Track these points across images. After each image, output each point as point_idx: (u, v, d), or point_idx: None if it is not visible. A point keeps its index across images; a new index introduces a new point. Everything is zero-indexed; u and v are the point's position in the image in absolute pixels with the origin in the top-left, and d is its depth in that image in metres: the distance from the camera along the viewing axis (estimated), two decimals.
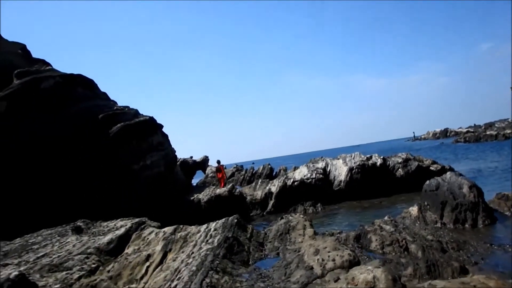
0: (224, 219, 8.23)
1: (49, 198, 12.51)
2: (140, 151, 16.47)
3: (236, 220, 8.06)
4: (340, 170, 18.20)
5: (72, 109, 14.83)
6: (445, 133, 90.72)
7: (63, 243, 8.80)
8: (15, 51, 16.52)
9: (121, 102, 19.53)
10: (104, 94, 18.18)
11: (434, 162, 19.96)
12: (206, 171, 38.35)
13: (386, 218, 10.66)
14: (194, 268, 5.46)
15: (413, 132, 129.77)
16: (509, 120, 76.90)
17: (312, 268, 5.01)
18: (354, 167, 17.78)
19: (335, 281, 4.31)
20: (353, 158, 18.82)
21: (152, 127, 18.02)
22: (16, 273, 5.08)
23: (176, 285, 5.04)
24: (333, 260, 5.00)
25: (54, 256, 7.83)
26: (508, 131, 51.91)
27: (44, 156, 13.14)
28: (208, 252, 6.35)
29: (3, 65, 15.28)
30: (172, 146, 20.63)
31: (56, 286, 6.17)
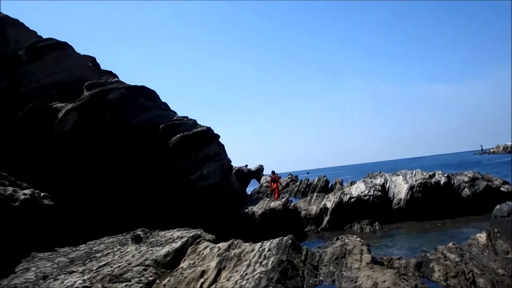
0: (278, 239, 8.13)
1: (111, 204, 13.17)
2: (198, 161, 16.91)
3: (290, 241, 7.93)
4: (400, 188, 17.41)
5: (135, 119, 15.59)
6: None
7: (123, 252, 9.19)
8: (86, 64, 17.71)
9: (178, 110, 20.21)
10: (165, 104, 18.94)
11: (505, 183, 18.46)
12: (261, 180, 38.49)
13: (450, 244, 9.96)
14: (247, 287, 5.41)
15: (481, 145, 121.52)
16: None
17: None
18: (415, 185, 16.91)
19: None
20: (414, 175, 17.93)
21: (209, 137, 18.43)
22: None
23: None
24: None
25: (114, 266, 8.19)
26: None
27: (109, 166, 13.88)
28: (262, 276, 6.29)
29: (76, 78, 16.46)
30: (228, 156, 20.95)
31: None
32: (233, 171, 29.80)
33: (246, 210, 16.20)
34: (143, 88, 17.28)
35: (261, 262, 7.09)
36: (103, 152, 13.99)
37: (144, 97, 17.12)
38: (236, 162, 41.17)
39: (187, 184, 16.02)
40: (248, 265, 7.31)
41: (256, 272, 6.57)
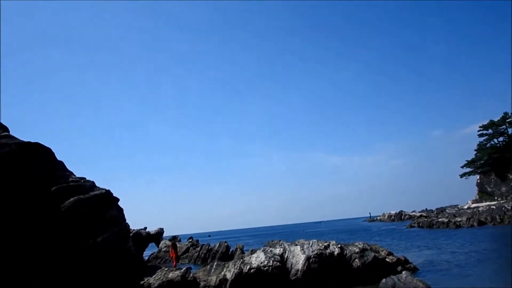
0: None
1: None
2: (94, 227, 15.61)
3: None
4: (297, 258, 17.87)
5: (25, 180, 14.05)
6: (400, 216, 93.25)
7: None
8: None
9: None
10: (61, 163, 17.52)
11: (390, 253, 20.13)
12: (160, 245, 36.57)
13: None
14: None
15: (369, 213, 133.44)
16: (459, 206, 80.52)
17: None
18: (312, 256, 17.54)
19: None
20: (311, 246, 18.64)
21: (108, 201, 17.33)
22: None
23: None
24: None
25: None
26: (459, 219, 53.94)
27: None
28: None
29: None
30: (126, 221, 19.73)
31: None
32: (131, 234, 27.95)
33: (142, 282, 15.09)
34: (37, 146, 15.81)
35: None
36: None
37: (38, 155, 15.61)
38: (135, 223, 38.82)
39: (83, 251, 14.58)
40: None
41: None
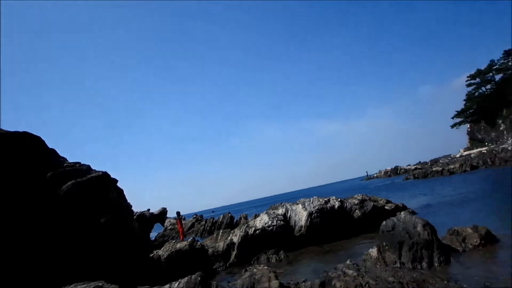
0: (187, 278, 8.01)
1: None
2: (93, 209, 15.82)
3: (199, 278, 7.88)
4: (300, 215, 18.38)
5: (16, 169, 14.12)
6: (395, 171, 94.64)
7: None
8: None
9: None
10: (53, 150, 17.52)
11: (388, 201, 20.73)
12: (165, 224, 37.18)
13: (348, 262, 10.84)
14: None
15: (366, 172, 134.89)
16: (451, 155, 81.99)
17: None
18: (314, 211, 18.04)
19: None
20: (312, 202, 19.13)
21: (105, 182, 17.44)
22: None
23: None
24: None
25: None
26: (452, 166, 55.05)
27: None
28: None
29: None
30: (128, 201, 20.00)
31: None
32: (135, 216, 28.37)
33: (151, 255, 15.53)
34: (24, 136, 15.77)
35: None
36: None
37: (27, 145, 15.62)
38: (138, 208, 39.37)
39: (84, 234, 14.85)
40: None
41: None
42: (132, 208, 21.06)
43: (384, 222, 13.06)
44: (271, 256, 15.92)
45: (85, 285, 10.00)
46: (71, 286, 10.36)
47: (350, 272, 9.58)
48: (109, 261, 14.87)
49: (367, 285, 8.64)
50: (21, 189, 13.62)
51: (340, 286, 8.86)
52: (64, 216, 14.16)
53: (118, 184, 19.42)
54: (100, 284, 9.56)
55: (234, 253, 16.53)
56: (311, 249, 16.59)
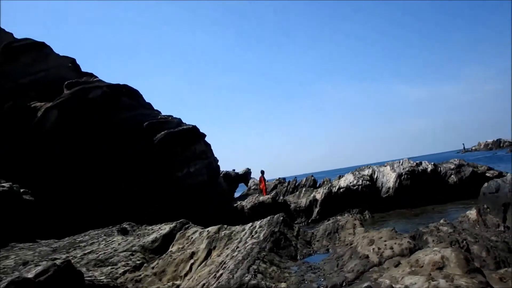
0: (269, 217, 7.93)
1: (96, 202, 12.77)
2: (184, 159, 16.60)
3: (282, 218, 7.74)
4: (388, 177, 17.39)
5: (118, 117, 15.24)
6: (498, 143, 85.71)
7: (109, 241, 8.84)
8: (65, 65, 17.35)
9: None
10: (149, 104, 18.63)
11: (490, 168, 18.65)
12: (249, 184, 38.11)
13: (442, 221, 9.93)
14: (240, 258, 5.19)
15: (463, 144, 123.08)
16: None
17: (367, 257, 4.60)
18: (403, 173, 16.93)
19: (396, 266, 3.89)
20: (402, 165, 17.97)
21: (195, 135, 18.16)
22: (62, 260, 5.05)
23: (221, 274, 4.79)
24: (391, 248, 4.58)
25: (100, 253, 7.86)
26: None
27: (92, 162, 13.50)
28: (253, 246, 6.07)
29: (55, 78, 16.08)
30: (215, 155, 20.67)
31: (101, 278, 6.11)
32: (221, 174, 29.46)
33: (235, 205, 15.95)
34: (125, 87, 16.97)
35: (253, 236, 6.87)
36: (85, 149, 13.60)
37: (127, 96, 16.81)
38: (222, 166, 40.71)
39: (174, 181, 15.71)
40: (239, 241, 7.07)
41: (247, 244, 6.34)
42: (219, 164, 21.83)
43: (485, 184, 11.70)
44: (355, 215, 15.36)
45: (173, 224, 10.52)
46: (162, 224, 10.99)
47: (445, 228, 8.72)
48: (196, 208, 15.59)
49: (464, 241, 7.77)
50: (121, 132, 14.70)
51: (433, 241, 8.09)
52: (157, 162, 15.07)
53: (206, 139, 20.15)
54: (187, 221, 9.99)
55: (316, 209, 16.28)
56: (399, 211, 15.69)
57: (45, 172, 12.65)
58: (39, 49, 16.79)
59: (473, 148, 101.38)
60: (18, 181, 10.41)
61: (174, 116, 18.54)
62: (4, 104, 13.81)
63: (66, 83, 15.16)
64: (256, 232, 7.05)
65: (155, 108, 19.17)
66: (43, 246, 8.33)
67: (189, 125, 18.38)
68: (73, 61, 17.98)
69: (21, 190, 9.99)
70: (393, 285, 3.31)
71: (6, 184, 9.16)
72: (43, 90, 15.24)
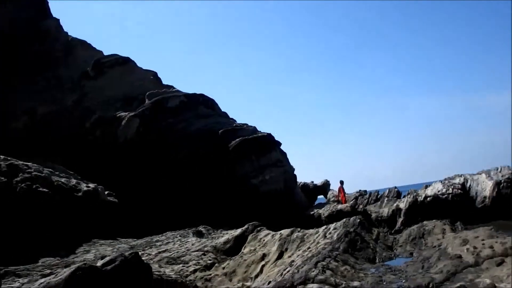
0: (345, 219, 7.37)
1: (172, 205, 13.17)
2: (259, 166, 16.52)
3: (359, 220, 7.13)
4: (483, 185, 15.54)
5: (195, 125, 15.73)
6: None
7: (184, 242, 8.92)
8: (148, 78, 18.44)
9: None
10: (224, 113, 19.01)
11: None
12: (328, 195, 36.98)
13: None
14: (309, 255, 4.76)
15: None
16: None
17: (460, 257, 3.90)
18: (502, 181, 15.00)
19: (498, 265, 3.20)
20: (500, 172, 15.97)
21: (270, 143, 18.05)
22: (130, 252, 5.05)
23: (288, 271, 4.41)
24: (491, 247, 3.83)
25: (173, 252, 7.92)
26: None
27: (170, 167, 13.99)
28: (326, 246, 5.59)
29: (139, 91, 17.15)
30: (291, 164, 20.32)
31: (170, 274, 6.06)
32: (299, 185, 28.92)
33: (312, 212, 15.41)
34: (202, 96, 17.53)
35: (326, 236, 6.37)
36: (164, 155, 14.19)
37: (204, 104, 17.33)
38: (300, 178, 40.10)
39: (248, 188, 15.66)
40: (312, 243, 6.62)
41: (320, 244, 5.88)
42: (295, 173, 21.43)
43: None
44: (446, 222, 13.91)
45: (245, 227, 10.36)
46: (236, 229, 10.90)
47: None
48: (271, 215, 15.34)
49: None
50: (197, 138, 15.15)
51: None
52: (232, 168, 15.20)
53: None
54: (260, 224, 9.74)
55: (400, 219, 15.06)
56: (498, 223, 13.83)
57: (127, 176, 13.39)
58: (125, 63, 18.09)
59: None
60: (104, 183, 11.08)
61: (249, 124, 18.66)
62: (92, 115, 15.08)
63: (147, 93, 16.10)
64: (330, 233, 6.55)
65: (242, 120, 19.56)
66: (122, 244, 8.64)
67: (264, 133, 18.33)
68: (154, 74, 19.11)
69: (106, 192, 10.58)
70: (496, 285, 2.69)
71: (92, 185, 9.77)
72: (128, 102, 16.34)
